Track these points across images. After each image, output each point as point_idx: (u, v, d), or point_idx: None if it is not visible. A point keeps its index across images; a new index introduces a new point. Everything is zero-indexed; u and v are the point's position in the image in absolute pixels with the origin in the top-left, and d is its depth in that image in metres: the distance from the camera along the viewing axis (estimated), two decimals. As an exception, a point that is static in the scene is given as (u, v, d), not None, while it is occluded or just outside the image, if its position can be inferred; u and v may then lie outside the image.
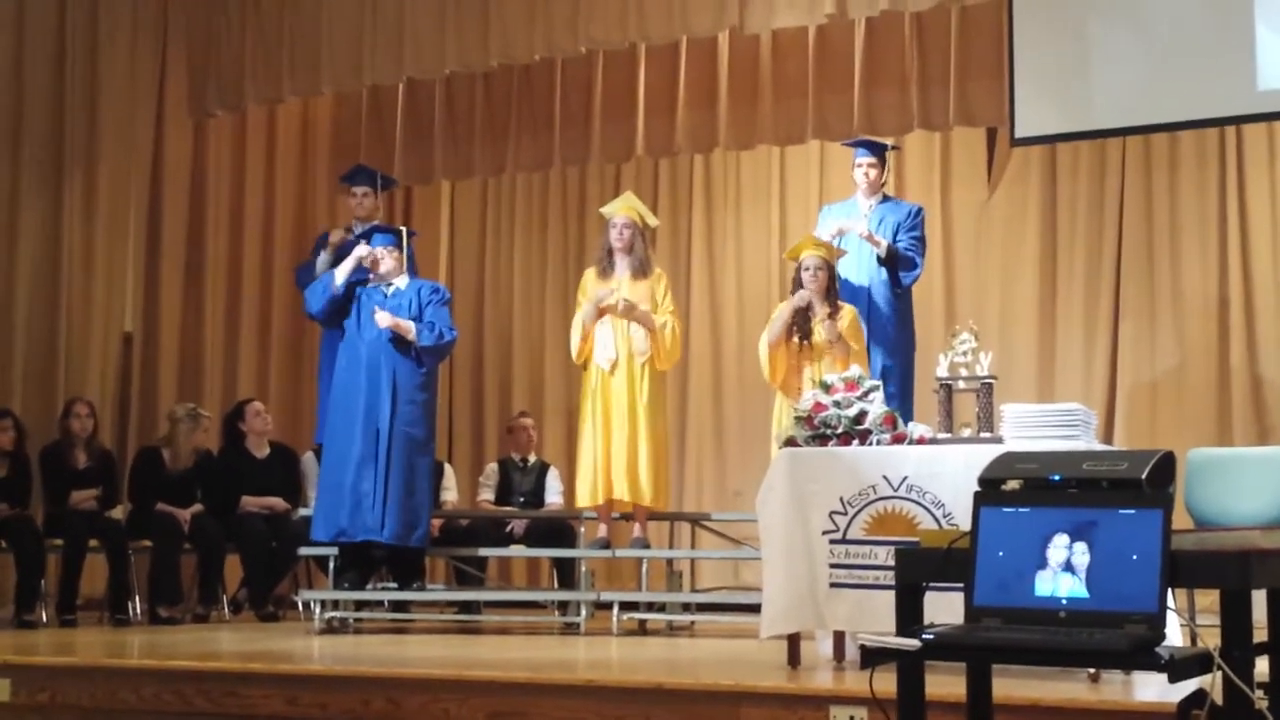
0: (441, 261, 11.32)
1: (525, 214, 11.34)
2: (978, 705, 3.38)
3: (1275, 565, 3.05)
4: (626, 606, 7.61)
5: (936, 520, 5.28)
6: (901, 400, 7.33)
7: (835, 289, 7.37)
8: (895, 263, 7.72)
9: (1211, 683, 2.87)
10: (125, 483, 8.66)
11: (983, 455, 3.60)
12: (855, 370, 5.99)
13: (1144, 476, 3.03)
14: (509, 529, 8.81)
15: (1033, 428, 5.30)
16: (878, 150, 7.97)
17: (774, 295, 9.64)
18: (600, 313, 7.77)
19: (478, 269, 11.41)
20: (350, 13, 9.43)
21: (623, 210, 7.93)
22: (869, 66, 9.02)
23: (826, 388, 5.77)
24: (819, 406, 5.68)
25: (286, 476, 8.88)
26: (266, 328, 10.47)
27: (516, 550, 8.88)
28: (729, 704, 4.84)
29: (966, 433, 5.62)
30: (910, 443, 5.55)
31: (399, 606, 8.17)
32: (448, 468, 9.48)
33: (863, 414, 5.62)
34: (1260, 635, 2.99)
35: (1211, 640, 2.91)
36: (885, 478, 5.43)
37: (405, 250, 7.97)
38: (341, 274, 7.85)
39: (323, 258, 8.55)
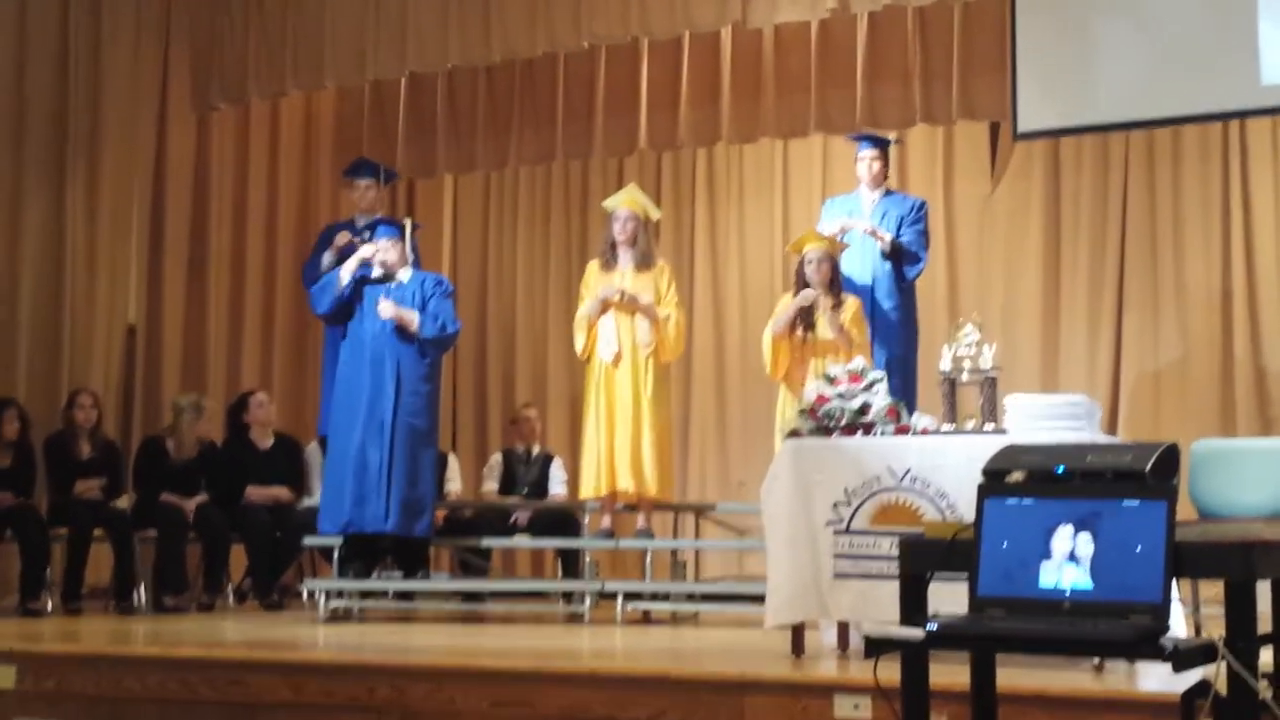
0: (444, 254, 11.33)
1: (528, 207, 11.34)
2: (981, 695, 3.40)
3: (1279, 556, 3.06)
4: (631, 596, 7.63)
5: (940, 512, 5.30)
6: (905, 393, 7.33)
7: (838, 281, 7.39)
8: (899, 257, 7.73)
9: (1216, 673, 2.88)
10: (129, 473, 8.68)
11: (986, 447, 3.61)
12: (859, 362, 6.01)
13: (1148, 468, 3.04)
14: (513, 519, 8.83)
15: (1037, 419, 5.32)
16: (880, 144, 7.98)
17: (777, 288, 9.64)
18: (604, 307, 7.79)
19: (480, 262, 11.42)
20: (353, 7, 9.42)
21: (625, 203, 7.95)
22: (871, 60, 9.02)
23: (830, 379, 5.78)
24: (823, 398, 5.70)
25: (290, 467, 8.91)
26: (270, 320, 10.48)
27: (521, 540, 8.90)
28: (733, 693, 4.86)
29: (970, 425, 5.64)
30: (914, 434, 5.57)
31: (403, 596, 8.19)
32: (452, 458, 9.50)
33: (866, 405, 5.64)
34: (1264, 626, 3.01)
35: (1215, 631, 2.93)
36: (889, 469, 5.45)
37: (409, 243, 7.98)
38: (347, 273, 7.85)
39: (327, 258, 8.56)
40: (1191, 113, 8.36)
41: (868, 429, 5.60)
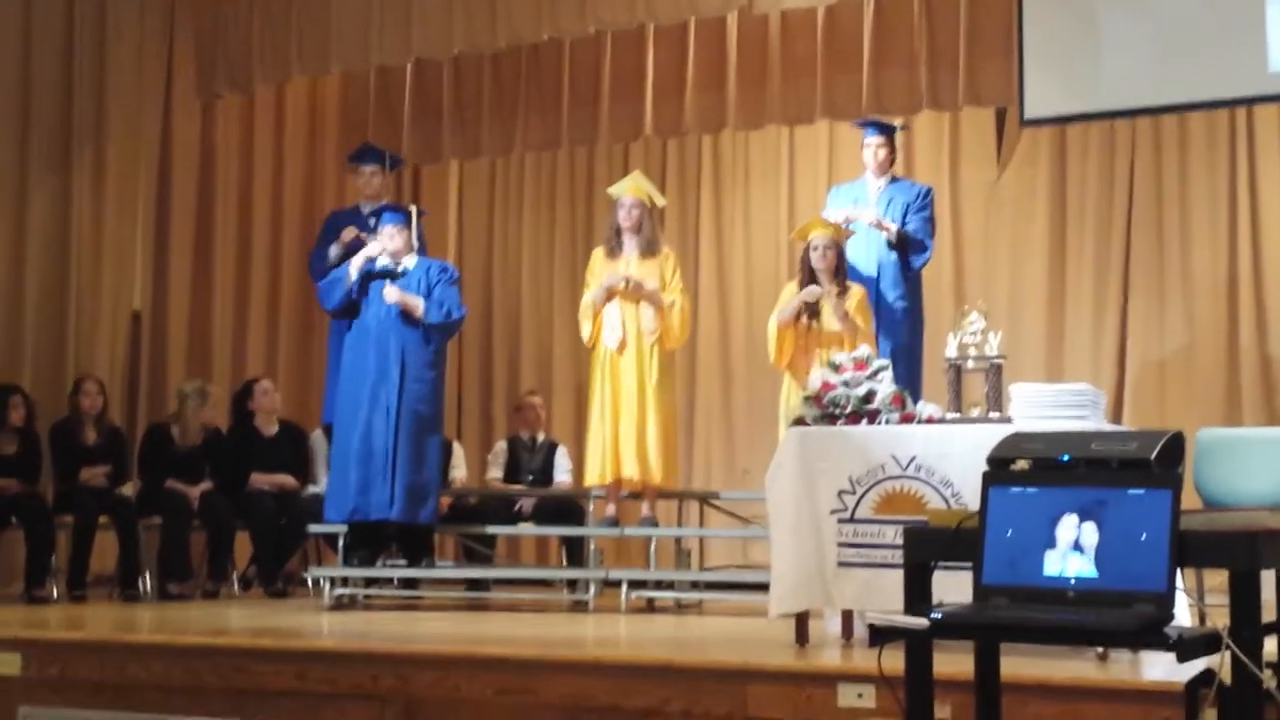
0: (450, 241, 11.33)
1: (533, 194, 11.34)
2: (986, 684, 3.39)
3: (1284, 545, 3.05)
4: (635, 584, 7.62)
5: (945, 500, 5.29)
6: (910, 381, 7.32)
7: (844, 268, 7.37)
8: (905, 247, 7.71)
9: (1220, 662, 2.88)
10: (134, 460, 8.68)
11: (991, 435, 3.61)
12: (864, 350, 5.99)
13: (1153, 456, 3.03)
14: (517, 507, 8.83)
15: (1041, 408, 5.31)
16: (886, 130, 7.95)
17: (782, 275, 9.64)
18: (609, 295, 7.78)
19: (486, 249, 11.41)
20: (359, -8, 9.43)
21: (630, 190, 7.94)
22: (878, 46, 8.99)
23: (835, 367, 5.77)
24: (828, 386, 5.69)
25: (295, 454, 8.91)
26: (275, 307, 10.48)
27: (525, 528, 8.90)
28: (737, 682, 4.86)
29: (975, 413, 5.63)
30: (919, 422, 5.56)
31: (408, 583, 8.19)
32: (456, 446, 9.50)
33: (871, 393, 5.63)
34: (1269, 615, 3.00)
35: (1220, 620, 2.92)
36: (894, 457, 5.44)
37: (414, 229, 7.97)
38: (354, 270, 7.83)
39: (334, 251, 8.54)
40: (1198, 99, 8.33)
41: (873, 417, 5.59)
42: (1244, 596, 2.91)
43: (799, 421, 5.74)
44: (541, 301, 11.16)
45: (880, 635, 3.17)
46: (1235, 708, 2.89)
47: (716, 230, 10.73)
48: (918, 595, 3.24)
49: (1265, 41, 7.82)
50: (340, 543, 7.88)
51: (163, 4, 9.89)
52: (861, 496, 5.47)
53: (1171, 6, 8.10)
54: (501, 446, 9.43)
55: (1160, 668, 4.55)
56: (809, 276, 7.30)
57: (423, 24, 9.25)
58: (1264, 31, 7.83)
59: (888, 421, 5.57)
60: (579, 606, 7.69)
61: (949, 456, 5.34)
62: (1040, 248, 9.74)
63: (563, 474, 9.21)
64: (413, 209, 8.15)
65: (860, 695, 4.59)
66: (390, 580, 8.17)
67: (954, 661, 3.61)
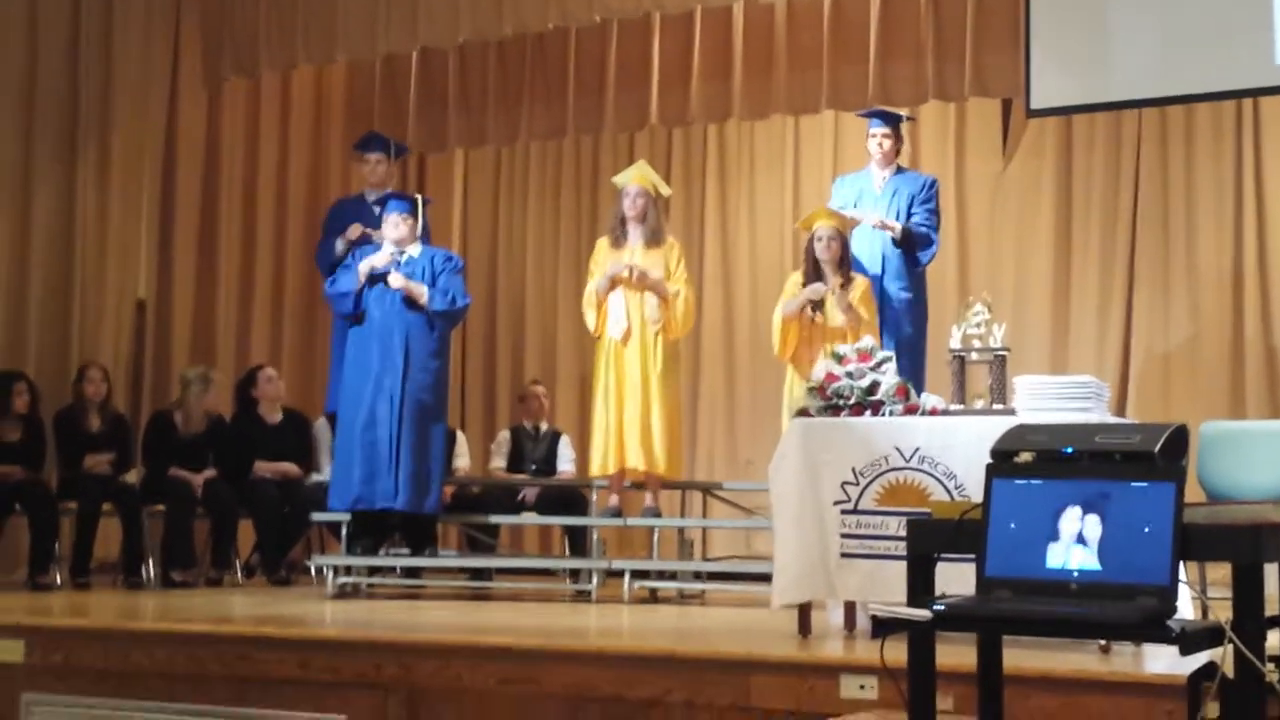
0: (454, 230, 11.32)
1: (538, 182, 11.33)
2: (988, 676, 3.39)
3: (1287, 539, 3.05)
4: (638, 575, 7.62)
5: (948, 492, 5.29)
6: (914, 372, 7.31)
7: (848, 259, 7.36)
8: (911, 244, 7.69)
9: (1223, 655, 2.87)
10: (138, 447, 8.69)
11: (995, 427, 3.60)
12: (868, 341, 5.99)
13: (1157, 449, 3.03)
14: (521, 497, 8.83)
15: (1045, 400, 5.31)
16: (892, 121, 7.93)
17: (787, 265, 9.63)
18: (612, 284, 7.77)
19: (490, 237, 11.41)
20: (364, -19, 9.42)
21: (635, 179, 7.93)
22: (884, 36, 8.98)
23: (839, 358, 5.77)
24: (831, 377, 5.69)
25: (299, 442, 8.91)
26: (279, 295, 10.47)
27: (529, 518, 8.90)
28: (740, 672, 4.86)
29: (979, 404, 5.62)
30: (923, 414, 5.55)
31: (411, 572, 8.19)
32: (460, 435, 9.50)
33: (875, 385, 5.62)
34: (1272, 608, 2.99)
35: (1223, 613, 2.92)
36: (897, 449, 5.44)
37: (419, 218, 7.96)
38: (362, 278, 7.80)
39: (340, 245, 8.53)
40: (1205, 91, 8.31)
41: (876, 408, 5.58)
42: (1247, 590, 2.91)
43: (802, 412, 5.73)
44: (546, 291, 11.15)
45: (883, 627, 3.17)
46: (1238, 701, 2.89)
47: (721, 220, 10.72)
48: (920, 587, 3.24)
49: (1271, 33, 7.80)
50: (343, 531, 7.88)
51: (170, -9, 9.90)
52: (865, 488, 5.47)
53: (1178, -2, 8.10)
54: (505, 436, 9.43)
55: (1163, 661, 4.55)
56: (813, 267, 7.29)
57: (429, 12, 9.25)
58: (1270, 23, 7.81)
59: (891, 413, 5.56)
60: (582, 596, 7.70)
61: (952, 448, 5.34)
62: (1045, 239, 9.73)
63: (566, 464, 9.21)
64: (418, 197, 8.14)
65: (863, 686, 4.59)
66: (393, 569, 8.17)
67: (957, 653, 3.61)
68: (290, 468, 8.73)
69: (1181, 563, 2.95)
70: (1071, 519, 3.01)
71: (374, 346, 7.73)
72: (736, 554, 9.38)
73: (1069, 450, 3.13)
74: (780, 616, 5.75)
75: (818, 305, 7.24)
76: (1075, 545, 2.99)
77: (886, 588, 5.15)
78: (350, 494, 7.67)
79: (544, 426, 9.39)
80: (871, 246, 7.67)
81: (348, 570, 7.84)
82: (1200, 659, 2.99)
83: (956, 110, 9.88)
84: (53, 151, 9.23)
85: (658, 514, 7.93)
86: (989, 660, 3.39)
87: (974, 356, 5.70)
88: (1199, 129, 9.36)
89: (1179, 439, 3.09)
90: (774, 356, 7.61)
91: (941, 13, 8.82)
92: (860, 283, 7.31)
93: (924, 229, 7.72)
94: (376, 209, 8.30)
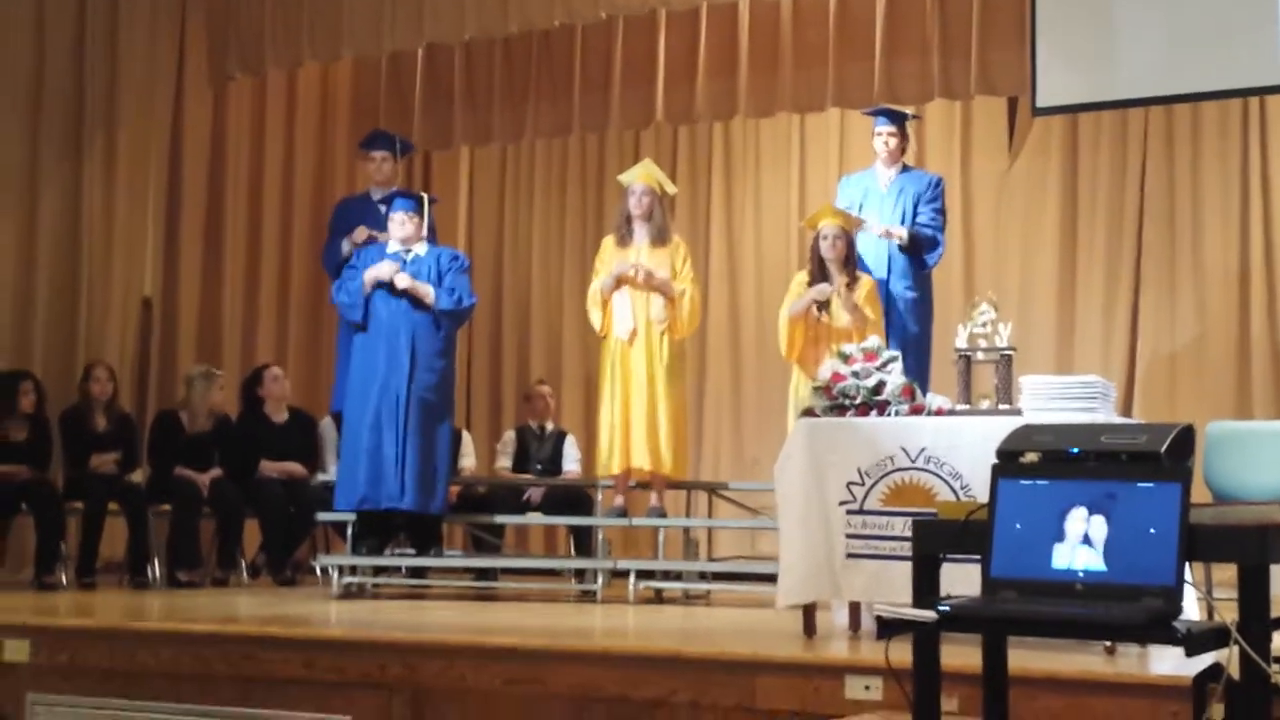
0: (460, 228, 11.32)
1: (544, 180, 11.33)
2: (993, 677, 3.38)
3: (1293, 540, 3.04)
4: (643, 575, 7.62)
5: (954, 492, 5.28)
6: (919, 372, 7.30)
7: (853, 258, 7.34)
8: (918, 247, 7.67)
9: (1228, 657, 2.86)
10: (144, 446, 8.69)
11: (1001, 427, 3.59)
12: (874, 341, 5.98)
13: (1163, 450, 3.02)
14: (526, 496, 8.82)
15: (1051, 400, 5.30)
16: (898, 119, 7.91)
17: (793, 263, 9.63)
18: (618, 283, 7.76)
19: (496, 236, 11.41)
20: (370, -23, 9.42)
21: (641, 178, 7.91)
22: (890, 34, 8.97)
23: (845, 358, 5.76)
24: (837, 376, 5.68)
25: (305, 442, 8.89)
26: (285, 293, 10.48)
27: (534, 518, 8.89)
28: (745, 673, 4.86)
29: (985, 404, 5.62)
30: (928, 414, 5.54)
31: (416, 572, 8.19)
32: (466, 434, 9.49)
33: (881, 385, 5.61)
34: (1278, 609, 2.98)
35: (1229, 614, 2.91)
36: (903, 449, 5.43)
37: (425, 217, 7.96)
38: (368, 286, 7.78)
39: (346, 246, 8.52)
40: (1211, 89, 8.30)
41: (882, 408, 5.57)
42: (1253, 591, 2.89)
43: (808, 412, 5.72)
44: (551, 290, 11.15)
45: (888, 627, 3.17)
46: (1243, 702, 2.88)
47: (727, 218, 10.72)
48: (926, 587, 3.23)
49: (1277, 31, 7.79)
50: (349, 531, 7.88)
51: (175, -11, 9.90)
52: (870, 488, 5.46)
53: (1185, -4, 8.08)
54: (510, 436, 9.43)
55: (1168, 662, 4.54)
56: (818, 266, 7.28)
57: (434, 9, 9.25)
58: (1277, 21, 7.79)
59: (897, 413, 5.55)
60: (587, 596, 7.69)
61: (958, 448, 5.33)
62: (1051, 238, 9.72)
63: (571, 463, 9.20)
64: (424, 196, 8.14)
65: (868, 687, 4.58)
66: (398, 569, 8.17)
67: (962, 654, 3.60)
68: (296, 467, 8.72)
69: (1187, 563, 2.94)
70: (1077, 519, 3.00)
71: (380, 346, 7.73)
72: (742, 554, 9.36)
73: (1075, 450, 3.12)
74: (785, 617, 5.74)
75: (823, 305, 7.23)
76: (1081, 546, 2.98)
77: (892, 588, 5.14)
78: (355, 494, 7.66)
79: (549, 426, 9.38)
80: (877, 247, 7.65)
81: (353, 570, 7.84)
82: (1205, 660, 2.98)
83: (962, 108, 9.87)
84: (58, 150, 9.24)
85: (663, 514, 7.92)
86: (994, 661, 3.38)
87: (980, 356, 5.68)
88: (1205, 128, 9.34)
89: (1185, 439, 3.08)
90: (779, 355, 7.60)
91: (947, 10, 8.81)
92: (866, 282, 7.30)
93: (929, 230, 7.69)
94: (382, 207, 8.31)
